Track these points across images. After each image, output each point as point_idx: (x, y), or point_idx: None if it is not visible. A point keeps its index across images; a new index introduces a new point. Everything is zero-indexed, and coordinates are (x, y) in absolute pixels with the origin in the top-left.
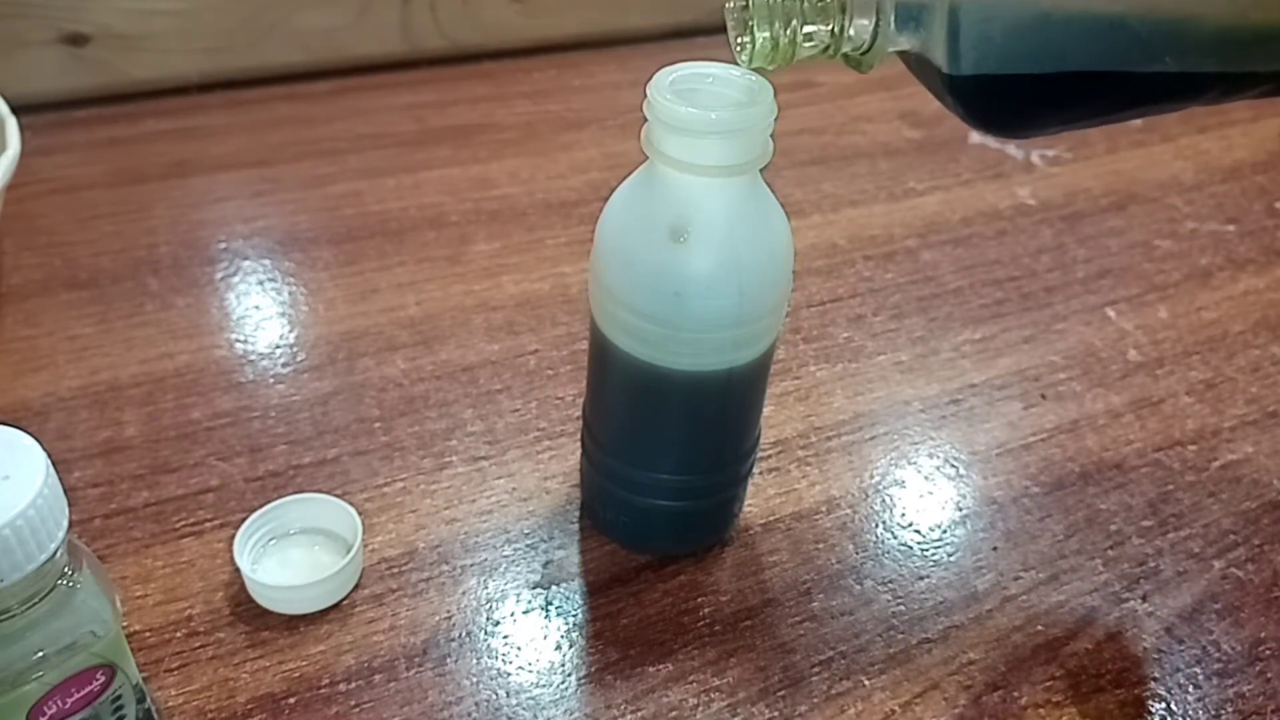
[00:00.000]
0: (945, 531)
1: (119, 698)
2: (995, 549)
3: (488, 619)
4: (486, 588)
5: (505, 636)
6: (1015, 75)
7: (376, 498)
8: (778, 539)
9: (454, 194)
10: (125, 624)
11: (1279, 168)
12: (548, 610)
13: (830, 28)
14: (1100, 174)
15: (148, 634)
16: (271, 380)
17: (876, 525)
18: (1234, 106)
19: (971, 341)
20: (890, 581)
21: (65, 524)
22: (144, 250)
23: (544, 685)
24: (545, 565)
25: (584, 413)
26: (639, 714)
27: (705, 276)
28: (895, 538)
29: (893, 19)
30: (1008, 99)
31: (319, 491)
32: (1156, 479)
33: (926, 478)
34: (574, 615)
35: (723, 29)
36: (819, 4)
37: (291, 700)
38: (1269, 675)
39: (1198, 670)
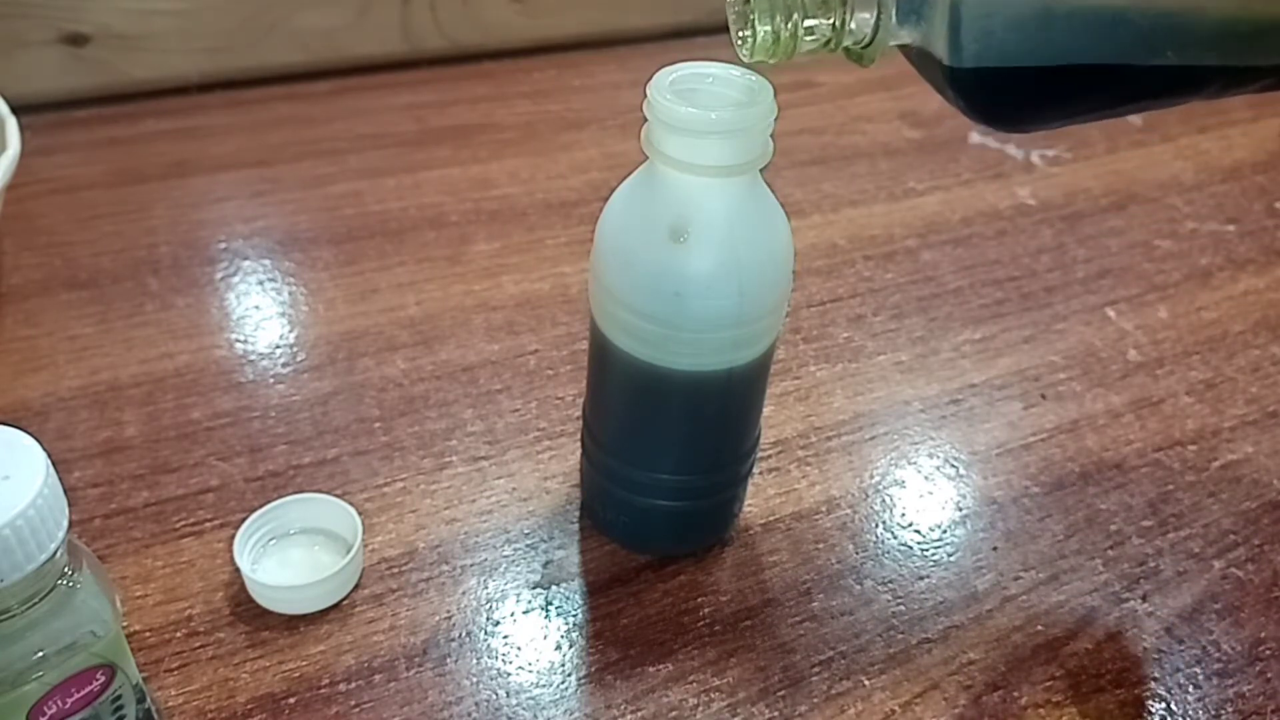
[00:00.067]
0: (945, 531)
1: (119, 698)
2: (995, 549)
3: (488, 619)
4: (486, 588)
5: (505, 636)
6: (1016, 68)
7: (376, 498)
8: (778, 539)
9: (454, 194)
10: (125, 624)
11: (1279, 168)
12: (548, 610)
13: (831, 21)
14: (1100, 174)
15: (148, 634)
16: (271, 380)
17: (876, 525)
18: (1234, 106)
19: (971, 341)
20: (890, 581)
21: (65, 524)
22: (144, 250)
23: (544, 685)
24: (545, 565)
25: (584, 413)
26: (639, 714)
27: (705, 276)
28: (895, 538)
29: (894, 12)
30: (1009, 92)
31: (319, 491)
32: (1156, 479)
33: (926, 478)
34: (574, 615)
35: (723, 29)
36: None
37: (291, 700)
38: (1269, 675)
39: (1198, 670)
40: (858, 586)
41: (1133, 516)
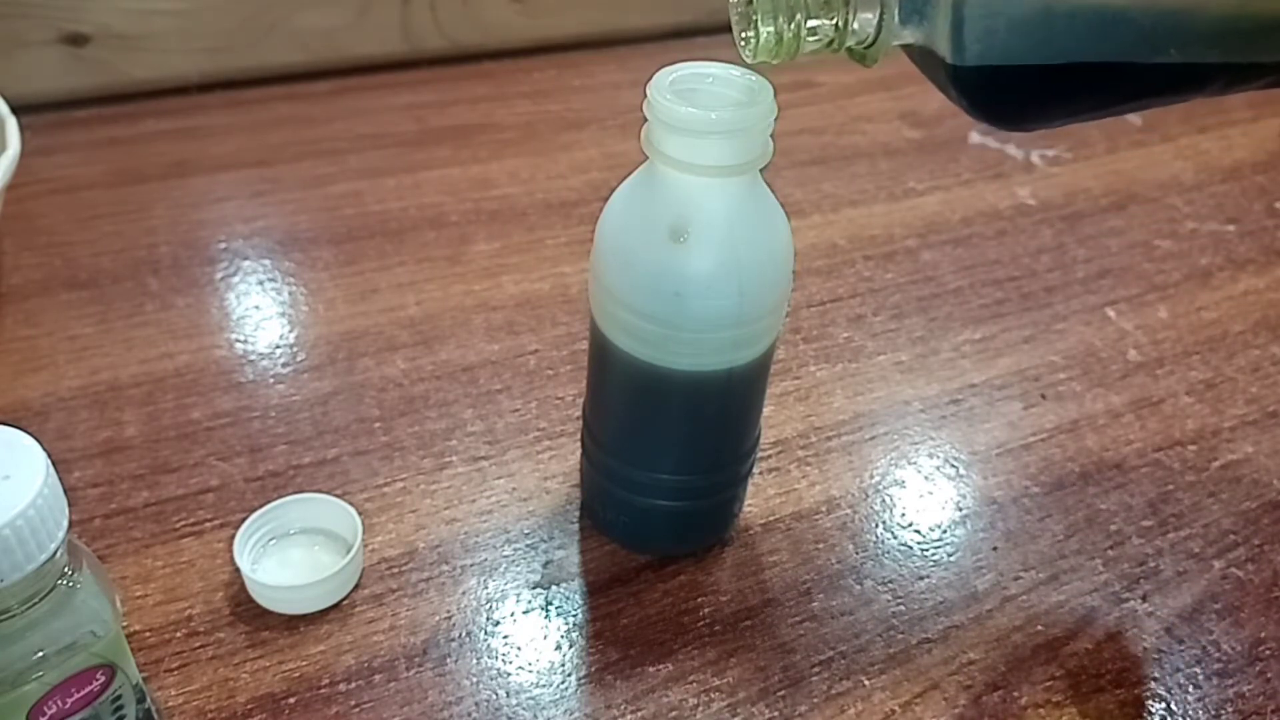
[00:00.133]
0: (945, 531)
1: (119, 698)
2: (995, 549)
3: (488, 619)
4: (486, 588)
5: (505, 636)
6: (1019, 67)
7: (376, 498)
8: (778, 539)
9: (454, 194)
10: (125, 624)
11: (1279, 168)
12: (548, 610)
13: (834, 21)
14: (1100, 174)
15: (148, 634)
16: (271, 380)
17: (876, 525)
18: (1234, 106)
19: (971, 341)
20: (890, 581)
21: (65, 524)
22: (144, 250)
23: (544, 685)
24: (545, 565)
25: (584, 413)
26: (639, 714)
27: (705, 276)
28: (895, 538)
29: (896, 12)
30: (1012, 91)
31: (319, 491)
32: (1156, 479)
33: (926, 478)
34: (574, 615)
35: (723, 29)
36: None
37: (291, 700)
38: (1269, 675)
39: (1198, 670)
40: (858, 586)
41: (1133, 516)
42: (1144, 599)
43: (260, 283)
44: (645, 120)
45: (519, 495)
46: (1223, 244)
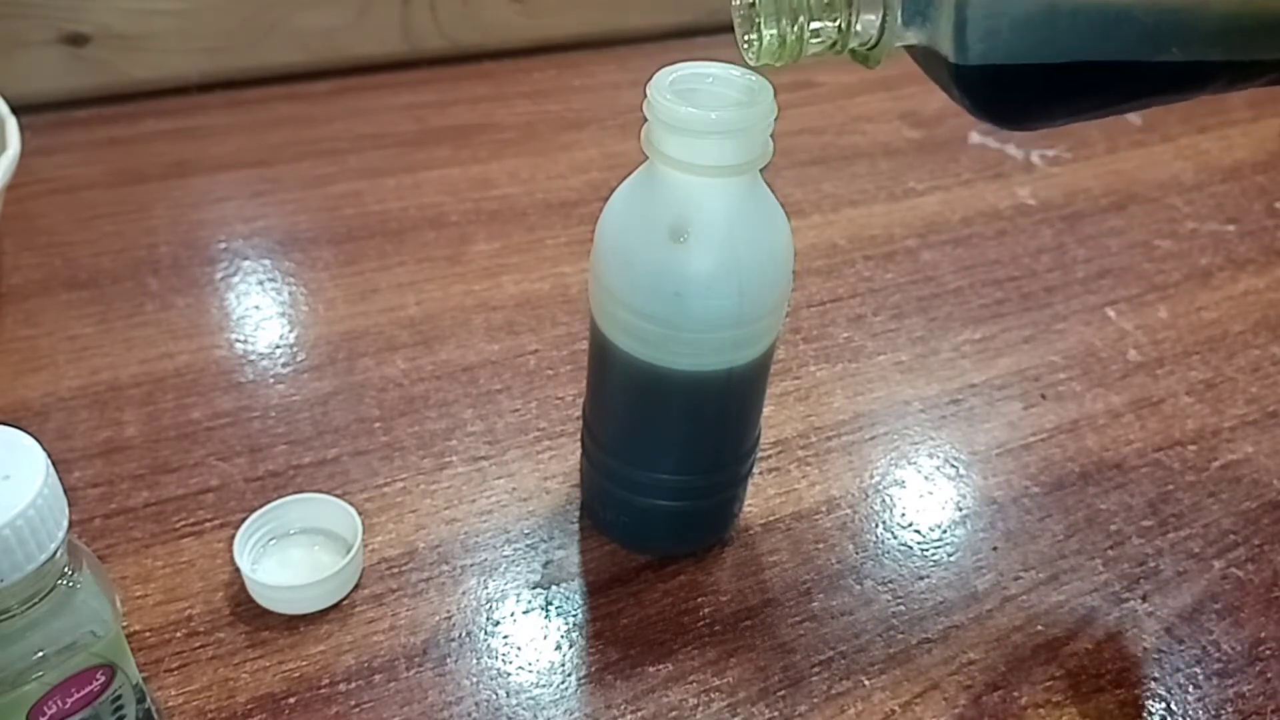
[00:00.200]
0: (945, 531)
1: (119, 698)
2: (995, 549)
3: (488, 619)
4: (486, 588)
5: (505, 636)
6: (1022, 66)
7: (376, 498)
8: (778, 539)
9: (454, 194)
10: (125, 624)
11: (1279, 168)
12: (548, 610)
13: (837, 24)
14: (1100, 174)
15: (148, 634)
16: (271, 380)
17: (876, 525)
18: (1234, 106)
19: (971, 341)
20: (890, 581)
21: (65, 524)
22: (144, 250)
23: (544, 685)
24: (545, 565)
25: (584, 413)
26: (639, 714)
27: (705, 276)
28: (895, 538)
29: (899, 14)
30: (1014, 90)
31: (319, 491)
32: (1156, 479)
33: (926, 478)
34: (574, 615)
35: (723, 29)
36: (826, 0)
37: (291, 700)
38: (1269, 675)
39: (1198, 670)
40: (858, 586)
41: (1133, 516)
42: (1144, 599)
43: (260, 283)
44: (645, 120)
45: (519, 495)
46: (1223, 244)
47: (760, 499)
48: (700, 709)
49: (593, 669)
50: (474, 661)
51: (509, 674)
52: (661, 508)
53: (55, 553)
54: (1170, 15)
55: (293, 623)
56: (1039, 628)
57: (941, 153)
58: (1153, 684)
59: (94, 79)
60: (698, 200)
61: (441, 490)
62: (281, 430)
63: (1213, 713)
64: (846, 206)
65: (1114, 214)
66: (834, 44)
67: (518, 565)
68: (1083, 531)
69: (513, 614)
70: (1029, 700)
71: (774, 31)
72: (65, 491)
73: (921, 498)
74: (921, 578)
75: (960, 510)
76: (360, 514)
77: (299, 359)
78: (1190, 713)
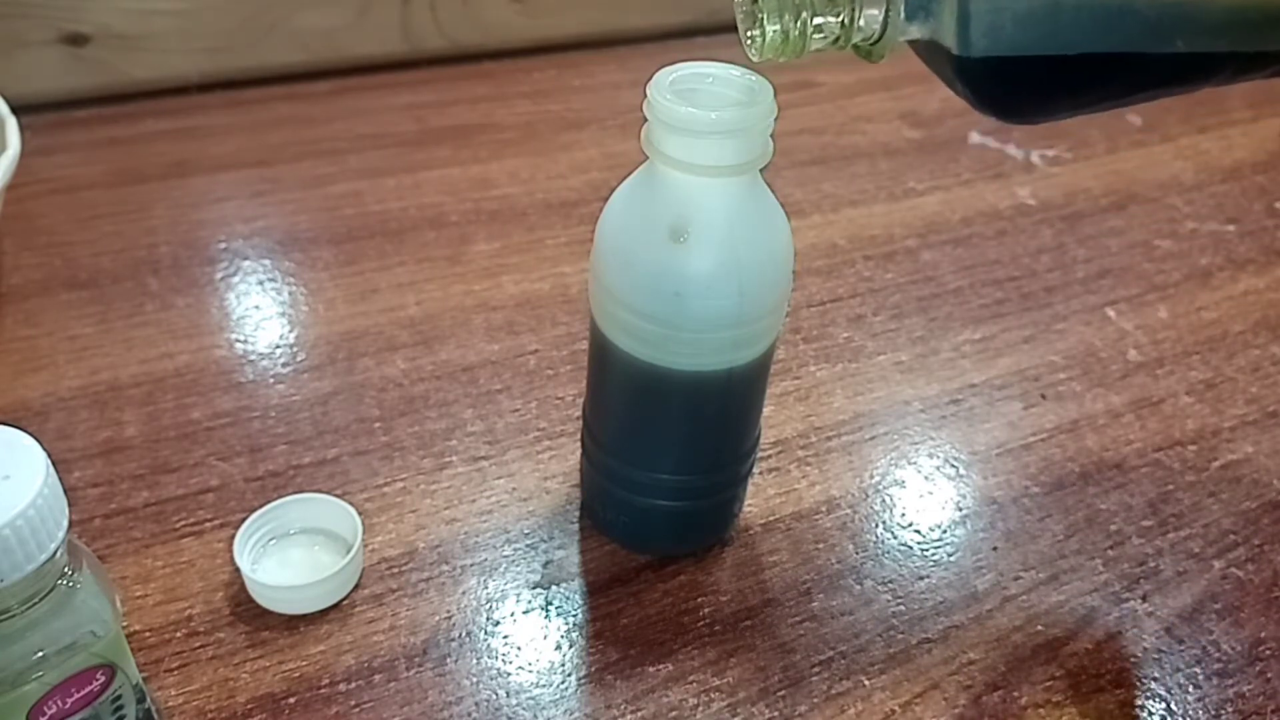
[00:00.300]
0: (945, 531)
1: (119, 698)
2: (995, 549)
3: (488, 619)
4: (486, 588)
5: (505, 636)
6: (1025, 58)
7: (376, 498)
8: (778, 539)
9: (454, 194)
10: (125, 624)
11: (1279, 168)
12: (548, 610)
13: (840, 19)
14: (1100, 174)
15: (148, 634)
16: (271, 380)
17: (876, 525)
18: (1234, 106)
19: (971, 341)
20: (890, 581)
21: (65, 524)
22: (144, 250)
23: (544, 685)
24: (545, 565)
25: (584, 413)
26: (639, 714)
27: (705, 276)
28: (895, 538)
29: (902, 8)
30: (1018, 82)
31: (319, 491)
32: (1156, 479)
33: (926, 478)
34: (574, 615)
35: (723, 29)
36: None
37: (291, 700)
38: (1269, 675)
39: (1198, 670)
40: (858, 586)
41: (1133, 516)
42: (1144, 599)
43: (260, 283)
44: (645, 120)
45: (519, 495)
46: (1223, 244)
47: (760, 499)
48: (700, 709)
49: (593, 669)
50: (474, 661)
51: (509, 674)
52: (661, 508)
53: (55, 553)
54: (1174, 7)
55: (293, 623)
56: (1039, 628)
57: (941, 153)
58: (1153, 684)
59: (94, 79)
60: (698, 200)
61: (441, 490)
62: (281, 430)
63: (1213, 713)
64: (846, 206)
65: (1114, 214)
66: (837, 39)
67: (518, 565)
68: (1083, 531)
69: (513, 614)
70: (1029, 700)
71: (777, 27)
72: (65, 491)
73: (921, 498)
74: (921, 578)
75: (960, 510)
76: (360, 514)
77: (299, 359)
78: (1190, 713)
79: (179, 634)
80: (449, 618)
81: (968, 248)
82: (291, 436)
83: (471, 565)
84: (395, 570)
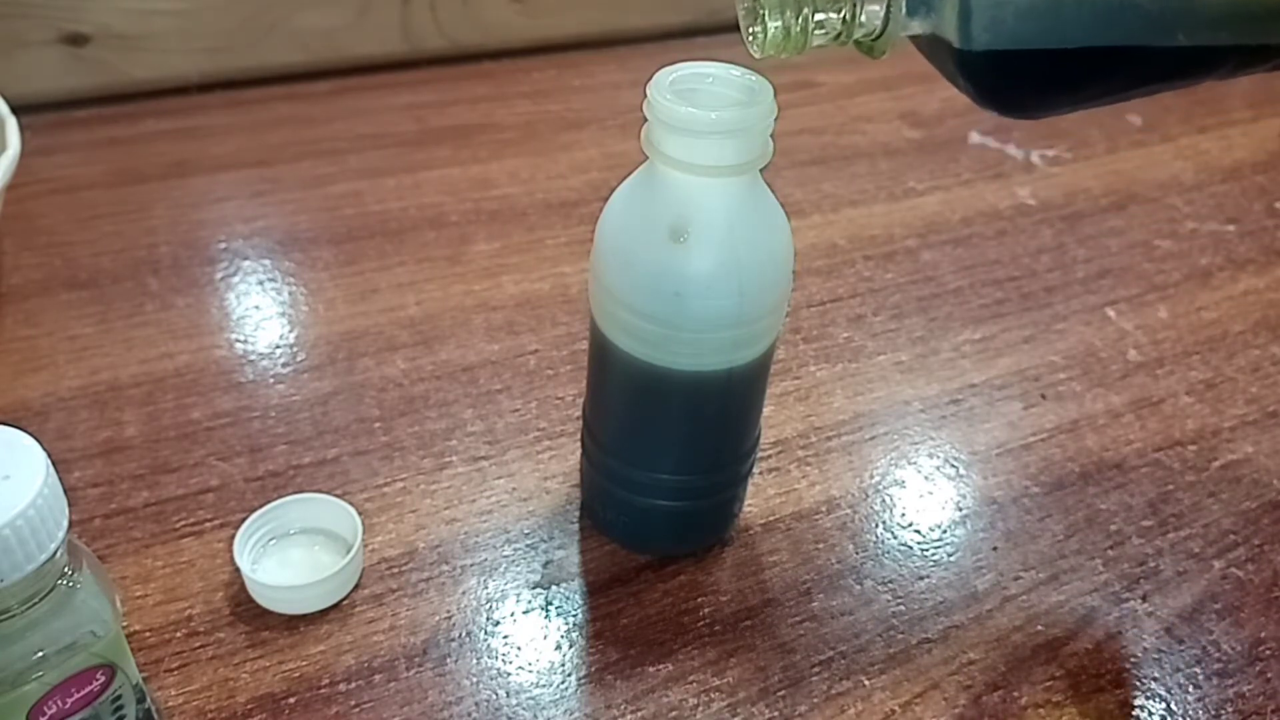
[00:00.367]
0: (945, 531)
1: (119, 698)
2: (995, 549)
3: (488, 619)
4: (486, 588)
5: (505, 636)
6: (1027, 51)
7: (376, 498)
8: (778, 539)
9: (454, 194)
10: (125, 624)
11: (1279, 168)
12: (548, 610)
13: (841, 15)
14: (1100, 174)
15: (148, 634)
16: (271, 380)
17: (876, 525)
18: (1234, 106)
19: (971, 341)
20: (890, 581)
21: (65, 524)
22: (144, 250)
23: (544, 685)
24: (545, 565)
25: (584, 413)
26: (639, 714)
27: (705, 276)
28: (895, 538)
29: (904, 3)
30: (1019, 76)
31: (319, 491)
32: (1156, 479)
33: (926, 478)
34: (574, 615)
35: (723, 29)
36: None
37: (291, 700)
38: (1269, 675)
39: (1198, 670)
40: (858, 586)
41: (1133, 516)
42: (1144, 599)
43: (260, 283)
44: (645, 120)
45: (519, 495)
46: (1223, 244)
47: (760, 499)
48: (700, 709)
49: (593, 669)
50: (474, 661)
51: (509, 674)
52: (661, 508)
53: (55, 553)
54: (1175, 1)
55: (293, 623)
56: (1039, 628)
57: (941, 153)
58: (1153, 684)
59: (94, 79)
60: (698, 200)
61: (441, 490)
62: (281, 430)
63: (1213, 713)
64: (846, 206)
65: (1114, 214)
66: (838, 35)
67: (518, 565)
68: (1083, 531)
69: (513, 614)
70: (1029, 700)
71: (778, 24)
72: (65, 491)
73: (921, 498)
74: (921, 578)
75: (960, 510)
76: (360, 514)
77: (299, 359)
78: (1190, 713)
79: (179, 634)
80: (449, 618)
81: (968, 248)
82: (291, 436)
83: (471, 565)
84: (395, 570)
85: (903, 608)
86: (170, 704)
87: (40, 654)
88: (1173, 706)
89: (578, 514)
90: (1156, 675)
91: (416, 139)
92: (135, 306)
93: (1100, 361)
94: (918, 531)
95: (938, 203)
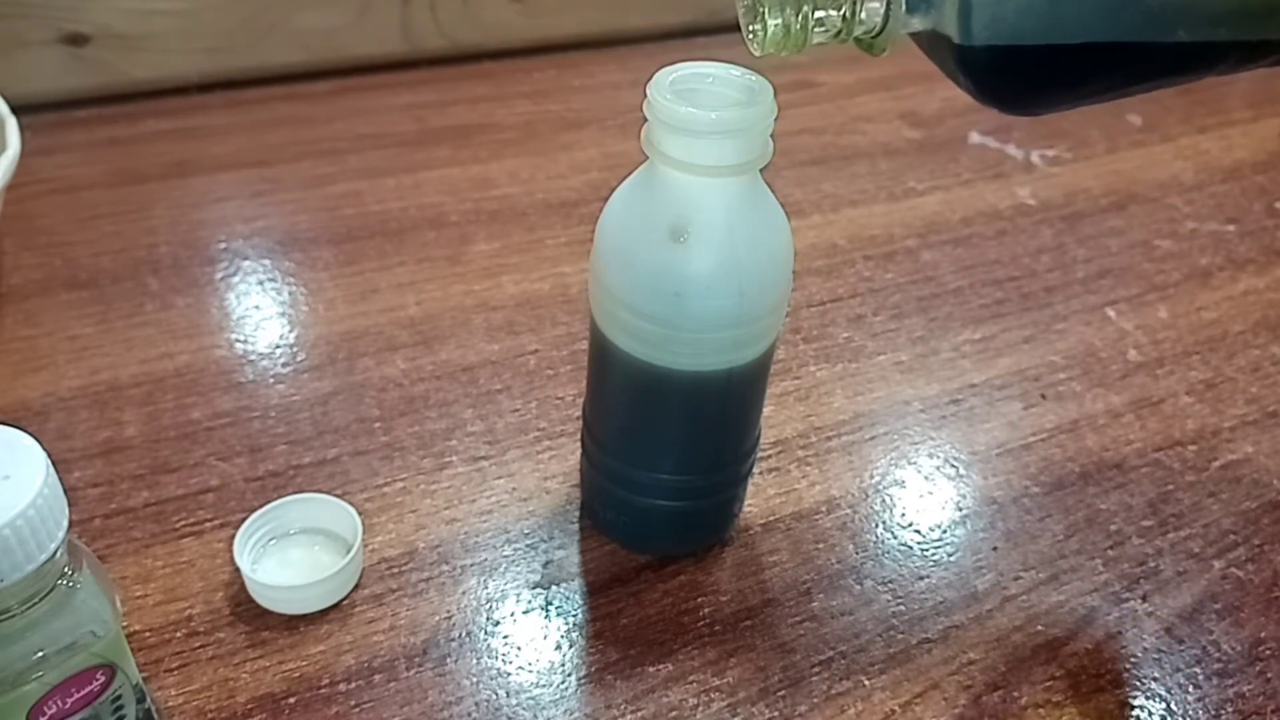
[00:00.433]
0: (945, 531)
1: (119, 698)
2: (995, 549)
3: (488, 619)
4: (486, 588)
5: (505, 636)
6: (1027, 47)
7: (376, 498)
8: (778, 539)
9: (454, 194)
10: (125, 624)
11: (1279, 168)
12: (548, 610)
13: (841, 12)
14: (1100, 174)
15: (148, 634)
16: (271, 380)
17: (876, 525)
18: (1234, 106)
19: (971, 341)
20: (890, 581)
21: (65, 524)
22: (144, 250)
23: (544, 685)
24: (545, 565)
25: (584, 413)
26: (639, 714)
27: (705, 276)
28: (895, 538)
29: (904, 0)
30: (1019, 72)
31: (319, 491)
32: (1156, 479)
33: (926, 478)
34: (574, 615)
35: (723, 29)
36: None
37: (291, 700)
38: (1269, 675)
39: (1198, 670)
40: (858, 586)
41: (1133, 516)
42: (1144, 599)
43: (260, 283)
44: (645, 120)
45: (519, 495)
46: (1223, 244)
47: (760, 499)
48: (700, 709)
49: (593, 669)
50: (474, 661)
51: (509, 674)
52: (661, 508)
53: (55, 553)
54: None
55: (293, 623)
56: (1039, 628)
57: (941, 153)
58: (1153, 684)
59: (94, 79)
60: (698, 200)
61: (441, 490)
62: (281, 430)
63: (1213, 713)
64: (846, 206)
65: (1114, 214)
66: (838, 33)
67: (518, 565)
68: (1083, 531)
69: (513, 614)
70: (1029, 700)
71: (778, 21)
72: (65, 491)
73: (921, 498)
74: (921, 578)
75: (960, 510)
76: (360, 514)
77: (299, 359)
78: (1190, 713)
79: (179, 634)
80: (449, 618)
81: (968, 248)
82: (291, 436)
83: (471, 565)
84: (395, 570)
85: (903, 608)
86: (170, 704)
87: (40, 654)
88: (1173, 706)
89: (578, 514)
90: (1156, 675)
91: (416, 139)
92: (135, 306)
93: (1100, 361)
94: (918, 531)
95: (938, 203)
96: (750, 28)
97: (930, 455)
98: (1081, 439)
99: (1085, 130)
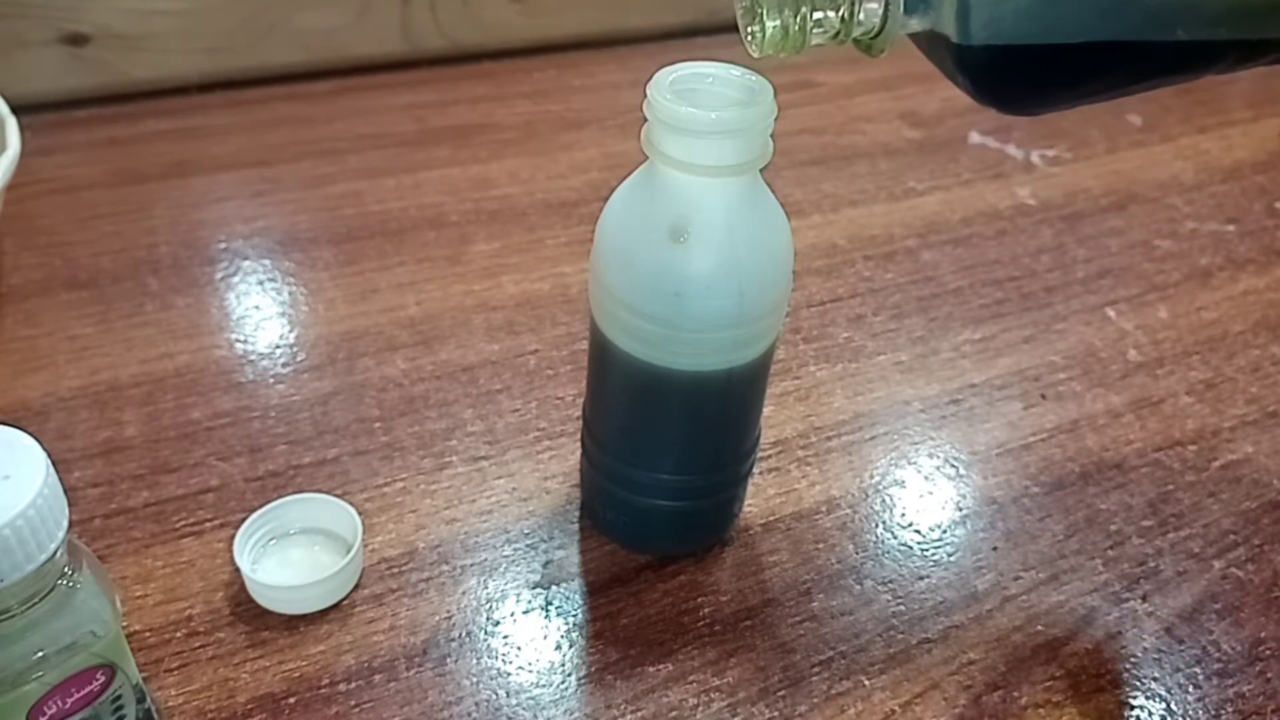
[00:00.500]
0: (945, 531)
1: (119, 698)
2: (995, 549)
3: (488, 619)
4: (486, 588)
5: (505, 636)
6: (1025, 47)
7: (376, 498)
8: (778, 539)
9: (454, 194)
10: (125, 624)
11: (1279, 168)
12: (548, 610)
13: (840, 13)
14: (1100, 174)
15: (148, 634)
16: (271, 380)
17: (876, 525)
18: (1234, 106)
19: (971, 341)
20: (890, 581)
21: (65, 524)
22: (144, 250)
23: (544, 685)
24: (545, 565)
25: (584, 413)
26: (639, 714)
27: (705, 276)
28: (895, 538)
29: (902, 1)
30: (1018, 71)
31: (319, 491)
32: (1156, 479)
33: (926, 478)
34: (574, 615)
35: (723, 29)
36: None
37: (291, 700)
38: (1269, 675)
39: (1198, 670)
40: (858, 586)
41: (1133, 516)
42: (1144, 599)
43: (260, 283)
44: (645, 120)
45: (519, 495)
46: (1223, 244)
47: (760, 499)
48: (700, 709)
49: (593, 669)
50: (474, 661)
51: (509, 674)
52: (661, 508)
53: (55, 553)
54: None
55: (293, 623)
56: (1039, 628)
57: (941, 153)
58: (1153, 684)
59: (94, 79)
60: (698, 200)
61: (441, 490)
62: (281, 430)
63: (1213, 713)
64: (846, 206)
65: (1114, 214)
66: (837, 34)
67: (518, 565)
68: (1083, 531)
69: (513, 614)
70: (1029, 700)
71: (777, 23)
72: (65, 491)
73: (921, 498)
74: (921, 578)
75: (960, 510)
76: (360, 514)
77: (299, 359)
78: (1190, 713)
79: (179, 634)
80: (449, 618)
81: (968, 248)
82: (291, 436)
83: (471, 565)
84: (395, 570)
85: (903, 608)
86: (170, 704)
87: (40, 654)
88: (1173, 706)
89: (578, 514)
90: (1156, 675)
91: (416, 139)
92: (135, 306)
93: (1100, 361)
94: (918, 531)
95: (938, 203)
96: (749, 29)
97: (930, 455)
98: (1081, 439)
99: (1085, 130)
